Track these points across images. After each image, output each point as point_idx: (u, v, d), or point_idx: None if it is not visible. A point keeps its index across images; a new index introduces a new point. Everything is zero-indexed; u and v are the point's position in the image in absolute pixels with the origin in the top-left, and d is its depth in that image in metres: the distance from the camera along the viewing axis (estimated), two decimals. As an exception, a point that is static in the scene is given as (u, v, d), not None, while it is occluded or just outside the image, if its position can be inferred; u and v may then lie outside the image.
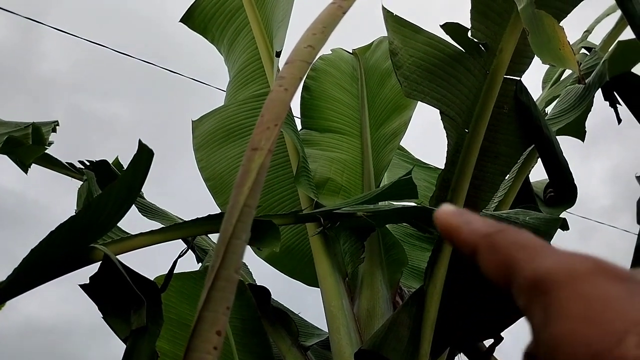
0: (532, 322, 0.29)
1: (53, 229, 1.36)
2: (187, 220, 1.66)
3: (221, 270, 0.84)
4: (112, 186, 1.34)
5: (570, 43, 2.97)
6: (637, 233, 2.05)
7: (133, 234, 1.67)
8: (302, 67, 1.00)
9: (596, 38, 3.10)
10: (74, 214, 1.63)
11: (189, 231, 1.67)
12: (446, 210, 0.36)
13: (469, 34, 2.07)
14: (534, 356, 0.32)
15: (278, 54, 2.65)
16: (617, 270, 0.28)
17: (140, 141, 1.31)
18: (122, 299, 1.44)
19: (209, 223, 1.63)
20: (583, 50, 3.01)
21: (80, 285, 1.49)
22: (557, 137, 2.47)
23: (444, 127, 2.11)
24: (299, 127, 2.91)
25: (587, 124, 2.73)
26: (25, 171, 2.39)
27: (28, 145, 2.23)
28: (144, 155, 1.31)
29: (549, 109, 2.77)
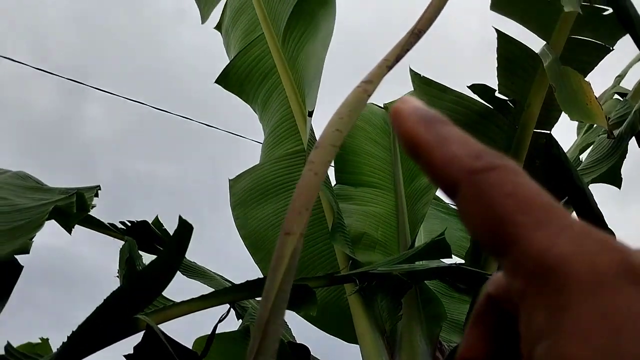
0: (527, 316, 0.23)
1: (100, 302, 1.42)
2: (227, 287, 1.71)
3: (258, 356, 0.88)
4: (155, 261, 1.40)
5: (602, 89, 2.99)
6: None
7: (175, 301, 1.73)
8: (331, 151, 1.05)
9: (629, 83, 3.10)
10: (121, 283, 1.70)
11: (228, 298, 1.71)
12: (411, 111, 0.27)
13: (496, 91, 2.11)
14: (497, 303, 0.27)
15: (310, 114, 2.72)
16: None
17: (180, 217, 1.38)
18: (165, 368, 1.49)
19: (248, 289, 1.68)
20: (616, 96, 3.02)
21: (125, 356, 1.55)
22: (593, 184, 2.47)
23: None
24: (333, 181, 2.96)
25: (623, 167, 2.72)
26: (69, 232, 2.49)
27: (73, 213, 2.32)
28: (184, 230, 1.37)
29: (583, 156, 2.78)
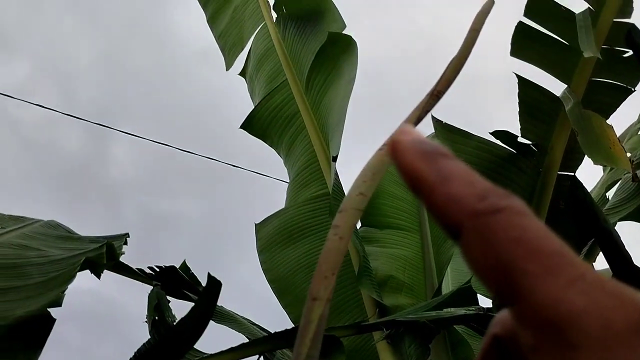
0: None
1: (131, 356, 1.45)
2: (262, 337, 1.73)
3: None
4: (186, 317, 1.43)
5: (626, 126, 2.99)
6: None
7: (205, 353, 1.75)
8: (355, 215, 1.07)
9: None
10: (149, 339, 1.73)
11: (255, 350, 1.73)
12: (411, 143, 0.25)
13: (519, 136, 2.13)
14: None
15: (335, 159, 2.76)
16: None
17: (209, 274, 1.41)
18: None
19: (284, 339, 1.70)
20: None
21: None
22: (621, 222, 2.46)
23: (501, 228, 2.13)
24: (358, 224, 2.98)
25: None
26: (99, 277, 2.53)
27: (103, 263, 2.37)
28: (213, 287, 1.40)
29: (609, 193, 2.77)
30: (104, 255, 2.40)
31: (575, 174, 2.23)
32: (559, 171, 2.17)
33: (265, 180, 5.97)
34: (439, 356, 2.39)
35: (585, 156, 2.23)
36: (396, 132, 0.26)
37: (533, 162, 2.15)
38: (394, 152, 0.25)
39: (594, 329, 0.19)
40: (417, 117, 1.17)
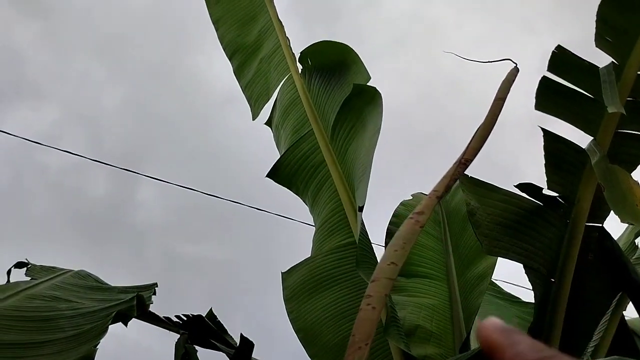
0: None
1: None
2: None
3: None
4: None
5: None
6: None
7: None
8: (387, 284, 1.10)
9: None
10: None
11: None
12: (492, 325, 0.33)
13: (544, 188, 2.13)
14: None
15: (361, 209, 2.78)
16: None
17: (241, 335, 1.43)
18: None
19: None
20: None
21: None
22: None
23: (529, 280, 2.13)
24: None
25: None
26: (126, 325, 2.57)
27: (133, 314, 2.41)
28: (246, 347, 1.42)
29: (638, 240, 2.75)
30: (135, 308, 2.44)
31: (603, 225, 2.22)
32: (587, 222, 2.17)
33: (292, 224, 5.99)
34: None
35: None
36: (484, 320, 0.34)
37: (560, 213, 2.15)
38: (480, 330, 0.33)
39: None
40: (446, 185, 1.19)
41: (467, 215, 2.13)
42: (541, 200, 2.15)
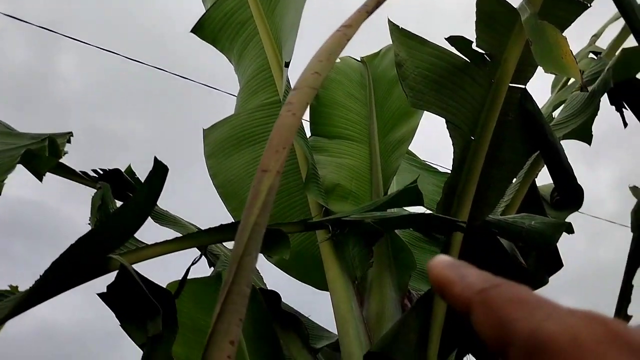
0: None
1: (73, 242, 1.42)
2: (200, 230, 1.72)
3: (234, 285, 0.89)
4: (129, 202, 1.40)
5: (578, 48, 3.02)
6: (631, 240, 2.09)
7: (148, 243, 1.73)
8: (309, 93, 1.06)
9: (604, 42, 3.13)
10: (93, 227, 1.70)
11: (202, 240, 1.72)
12: (440, 263, 0.33)
13: (474, 44, 2.12)
14: None
15: (287, 64, 2.70)
16: (629, 336, 0.24)
17: (155, 158, 1.37)
18: (138, 306, 1.50)
19: (222, 232, 1.69)
20: (591, 55, 3.05)
21: (99, 294, 1.56)
22: (565, 140, 2.51)
23: (450, 136, 2.15)
24: (308, 134, 2.96)
25: (593, 133, 2.77)
26: (40, 179, 2.46)
27: (45, 157, 2.30)
28: (159, 172, 1.37)
29: (556, 113, 2.81)
30: (46, 149, 2.33)
31: (526, 87, 2.25)
32: (510, 83, 2.18)
33: (219, 96, 5.86)
34: (381, 261, 2.44)
35: (537, 70, 2.25)
36: (433, 259, 0.34)
37: (486, 72, 2.15)
38: (430, 268, 0.33)
39: (565, 346, 0.24)
40: (377, 1, 1.12)
41: (395, 67, 2.10)
42: (469, 57, 2.14)
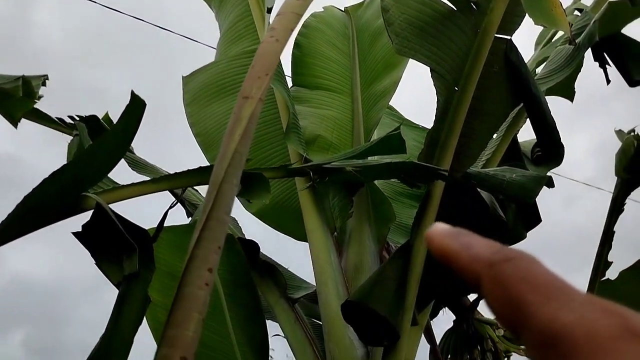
0: None
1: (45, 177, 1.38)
2: (179, 172, 1.68)
3: (212, 211, 0.86)
4: (105, 136, 1.36)
5: (565, 5, 2.98)
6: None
7: (125, 184, 1.69)
8: (294, 19, 1.02)
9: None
10: (66, 163, 1.65)
11: (180, 182, 1.69)
12: (440, 231, 0.32)
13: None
14: None
15: (269, 10, 2.64)
16: None
17: (132, 92, 1.33)
18: (114, 245, 1.47)
19: (200, 174, 1.65)
20: (576, 12, 3.02)
21: (73, 233, 1.52)
22: (547, 97, 2.49)
23: (434, 85, 2.12)
24: (290, 84, 2.91)
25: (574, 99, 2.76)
26: (15, 125, 2.39)
27: (18, 97, 2.23)
28: (136, 106, 1.33)
29: (539, 69, 2.79)
30: (20, 88, 2.25)
31: (511, 38, 2.22)
32: (496, 33, 2.15)
33: (199, 48, 5.75)
34: (360, 212, 2.42)
35: (524, 21, 2.22)
36: (430, 228, 0.32)
37: (472, 21, 2.11)
38: (428, 238, 0.31)
39: (581, 338, 0.23)
40: None
41: (381, 12, 2.06)
42: (456, 5, 2.10)
